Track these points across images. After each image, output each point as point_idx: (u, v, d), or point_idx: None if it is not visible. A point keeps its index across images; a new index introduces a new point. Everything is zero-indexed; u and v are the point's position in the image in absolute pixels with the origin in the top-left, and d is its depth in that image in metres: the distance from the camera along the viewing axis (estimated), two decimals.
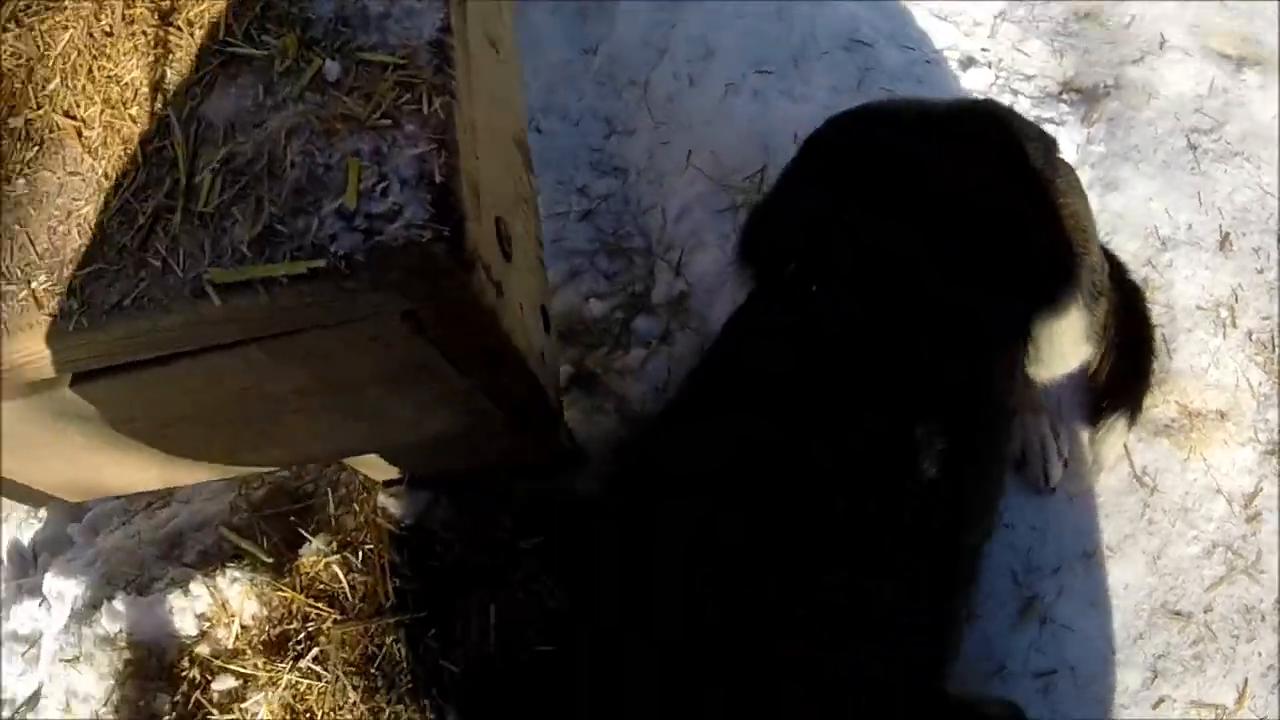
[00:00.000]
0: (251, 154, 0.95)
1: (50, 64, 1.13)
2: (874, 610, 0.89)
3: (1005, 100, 1.66)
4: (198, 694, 1.40)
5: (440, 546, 1.41)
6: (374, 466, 1.41)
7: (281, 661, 1.38)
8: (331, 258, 0.86)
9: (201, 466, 1.24)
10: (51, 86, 1.11)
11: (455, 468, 1.33)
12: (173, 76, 1.05)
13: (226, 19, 1.05)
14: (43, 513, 1.72)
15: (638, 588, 1.05)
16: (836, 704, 0.86)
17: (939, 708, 0.95)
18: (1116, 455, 1.53)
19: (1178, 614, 1.43)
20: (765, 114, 1.65)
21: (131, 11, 1.10)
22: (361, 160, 0.90)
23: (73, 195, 1.03)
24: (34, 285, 1.00)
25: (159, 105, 1.03)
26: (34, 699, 1.48)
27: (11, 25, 1.13)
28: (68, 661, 1.43)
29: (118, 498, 1.64)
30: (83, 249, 0.99)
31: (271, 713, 1.36)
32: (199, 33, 1.06)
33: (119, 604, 1.45)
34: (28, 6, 1.14)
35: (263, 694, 1.37)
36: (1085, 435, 1.56)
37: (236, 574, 1.44)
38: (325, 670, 1.36)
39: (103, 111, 1.07)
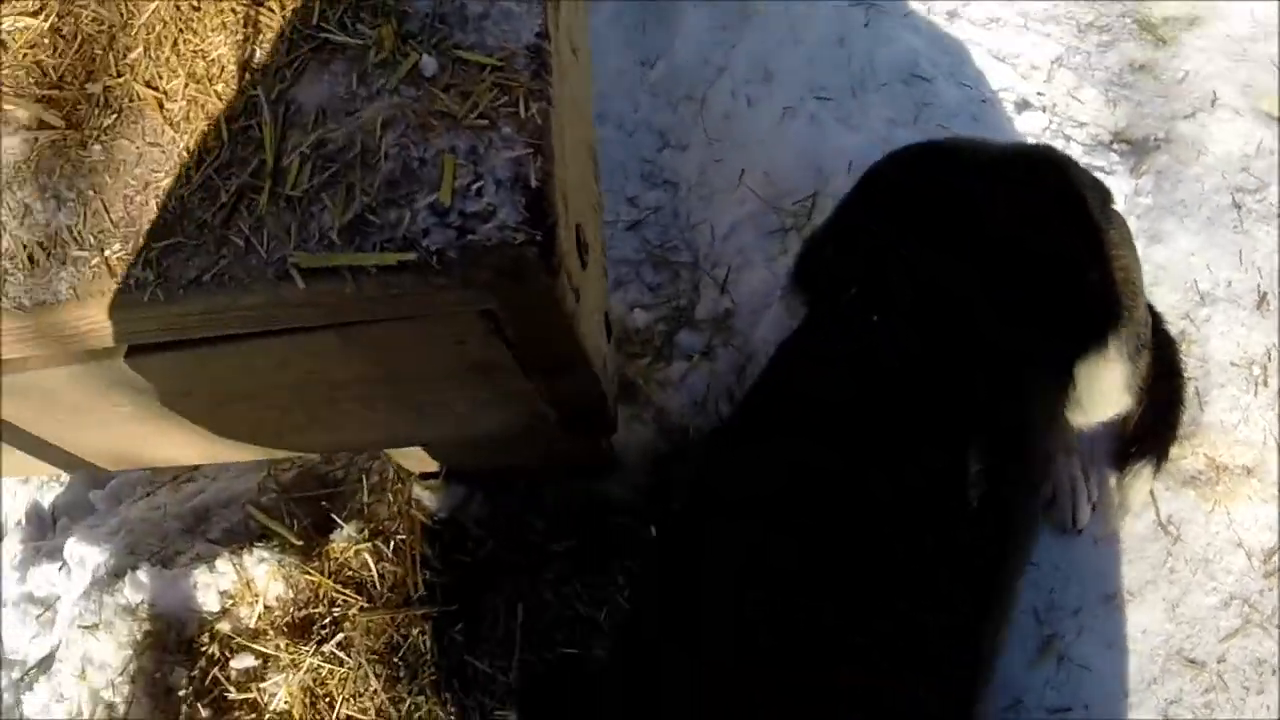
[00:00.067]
0: (343, 141, 0.95)
1: (133, 33, 1.12)
2: (932, 645, 0.90)
3: (1057, 145, 1.68)
4: (215, 670, 1.40)
5: (472, 542, 1.41)
6: (412, 458, 1.41)
7: (304, 645, 1.38)
8: (423, 252, 0.86)
9: (244, 446, 1.24)
10: (133, 55, 1.11)
11: (500, 466, 1.34)
12: (261, 57, 1.05)
13: (320, 4, 1.05)
14: (65, 476, 1.71)
15: (681, 603, 1.06)
16: None
17: None
18: (1141, 500, 1.55)
19: (1192, 662, 1.45)
20: (821, 140, 1.66)
21: None
22: (457, 158, 0.90)
23: (151, 166, 1.03)
24: (107, 253, 1.00)
25: (246, 84, 1.04)
26: (47, 662, 1.48)
27: None
28: (86, 628, 1.43)
29: (144, 469, 1.63)
30: (161, 221, 0.99)
31: (290, 695, 1.36)
32: (291, 16, 1.06)
33: (143, 575, 1.45)
34: None
35: (282, 676, 1.37)
36: (1112, 479, 1.58)
37: (264, 554, 1.44)
38: (348, 656, 1.37)
39: (187, 85, 1.07)
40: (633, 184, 1.75)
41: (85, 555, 1.50)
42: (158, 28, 1.11)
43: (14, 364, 1.11)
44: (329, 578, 1.41)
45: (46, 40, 1.14)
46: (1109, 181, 1.63)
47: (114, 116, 1.08)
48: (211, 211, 0.96)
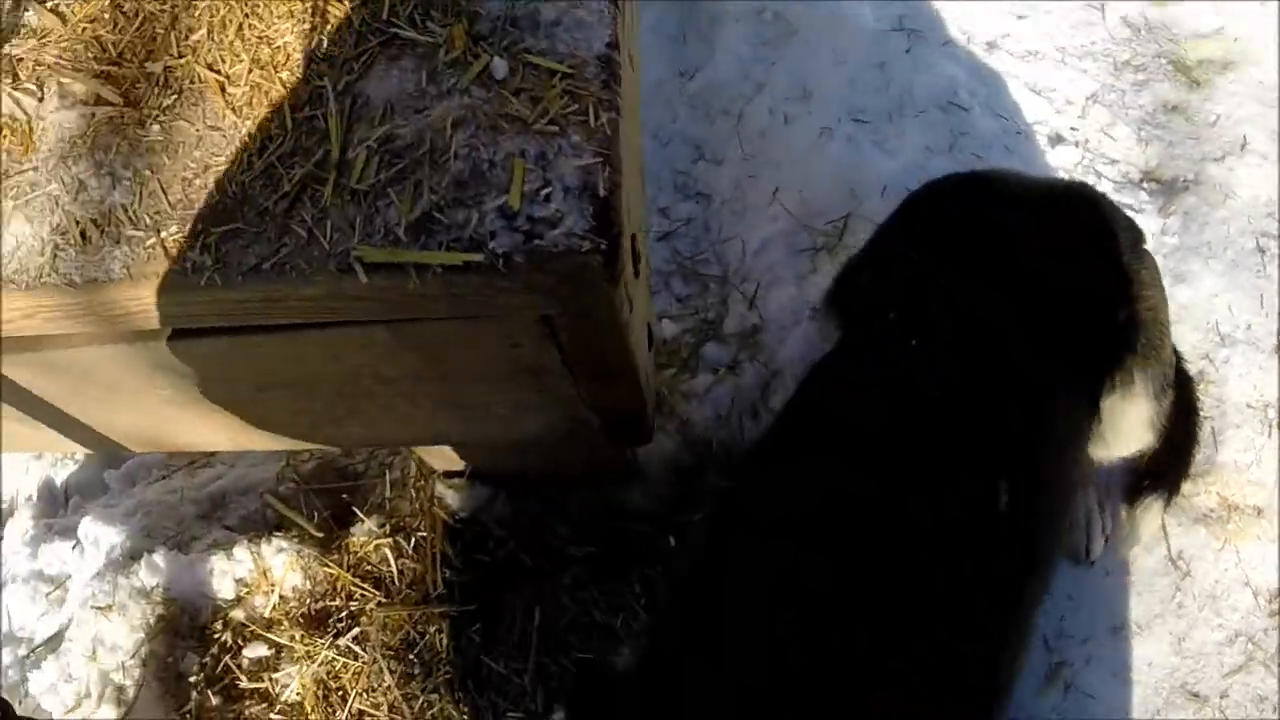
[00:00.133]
0: (411, 138, 0.95)
1: (196, 14, 1.12)
2: (970, 675, 0.91)
3: (1089, 181, 1.70)
4: (228, 658, 1.39)
5: (493, 543, 1.41)
6: (438, 456, 1.41)
7: (320, 637, 1.38)
8: (490, 254, 0.87)
9: (278, 436, 1.24)
10: (196, 37, 1.11)
11: (532, 470, 1.34)
12: (329, 47, 1.05)
13: None
14: (80, 454, 1.70)
15: (705, 617, 1.06)
16: None
17: None
18: (1150, 533, 1.57)
19: (1195, 696, 1.47)
20: (857, 162, 1.68)
21: None
22: (526, 162, 0.91)
23: (211, 150, 1.03)
24: (163, 234, 0.99)
25: (312, 74, 1.04)
26: (55, 641, 1.46)
27: None
28: (99, 609, 1.42)
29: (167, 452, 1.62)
30: (220, 206, 0.98)
31: (303, 686, 1.35)
32: (360, 8, 1.06)
33: (159, 558, 1.44)
34: None
35: (296, 667, 1.36)
36: (1123, 511, 1.60)
37: (283, 544, 1.43)
38: (363, 651, 1.36)
39: (250, 70, 1.07)
40: (665, 194, 1.76)
41: (100, 535, 1.49)
42: (222, 10, 1.11)
43: (55, 340, 1.10)
44: (348, 571, 1.40)
45: (107, 15, 1.14)
46: (1137, 220, 1.65)
47: (174, 97, 1.07)
48: (273, 199, 0.96)
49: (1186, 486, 1.58)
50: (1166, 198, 1.72)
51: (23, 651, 1.48)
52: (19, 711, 1.37)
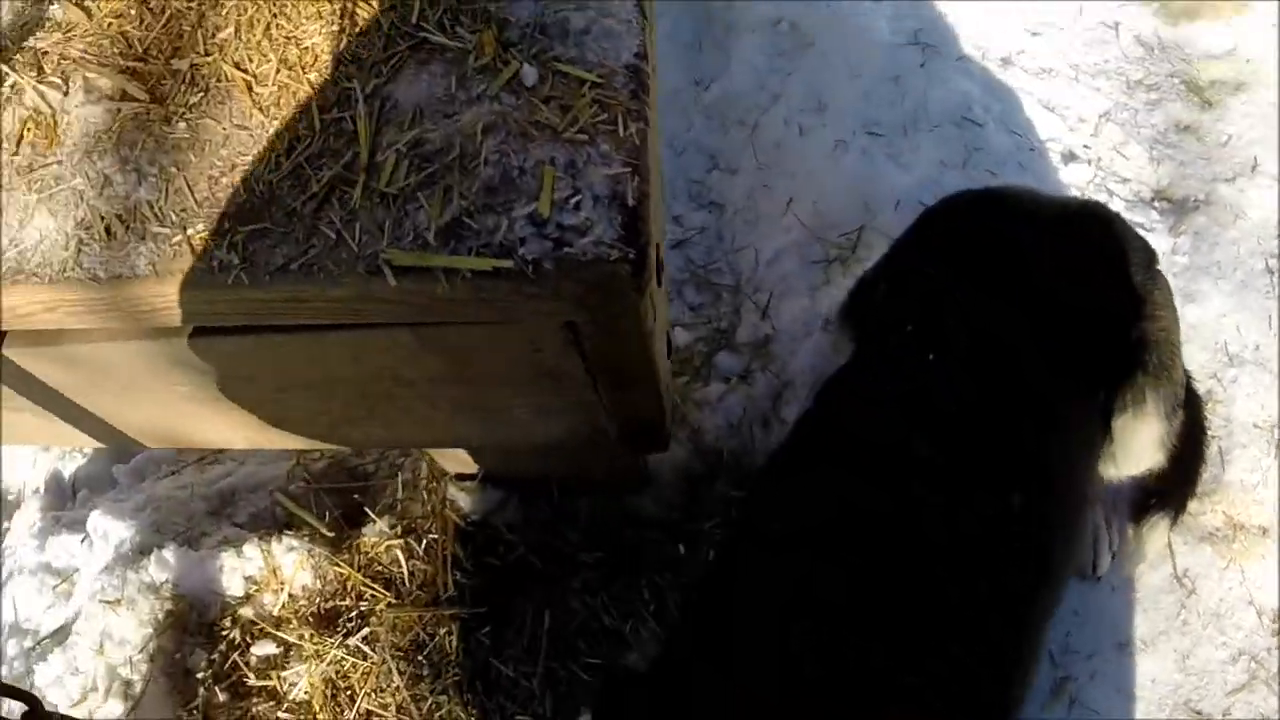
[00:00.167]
0: (441, 143, 0.95)
1: (224, 13, 1.13)
2: (985, 690, 0.91)
3: (1100, 199, 1.71)
4: (236, 655, 1.39)
5: (504, 547, 1.42)
6: (451, 458, 1.41)
7: (329, 636, 1.38)
8: (519, 261, 0.87)
9: (296, 435, 1.24)
10: (223, 35, 1.11)
11: (551, 475, 1.34)
12: (357, 50, 1.05)
13: (420, 3, 1.05)
14: (88, 448, 1.70)
15: (716, 626, 1.06)
16: None
17: None
18: (1156, 550, 1.58)
19: (1198, 713, 1.48)
20: (871, 175, 1.69)
21: None
22: (556, 170, 0.91)
23: (238, 149, 1.03)
24: (190, 232, 0.99)
25: (341, 76, 1.04)
26: (62, 633, 1.46)
27: None
28: (108, 603, 1.42)
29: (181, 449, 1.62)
30: (248, 205, 0.99)
31: (311, 685, 1.35)
32: (389, 12, 1.07)
33: (168, 554, 1.44)
34: None
35: (304, 665, 1.36)
36: (1129, 529, 1.61)
37: (293, 542, 1.43)
38: (372, 651, 1.36)
39: (278, 71, 1.07)
40: (679, 203, 1.76)
41: (109, 529, 1.49)
42: (249, 10, 1.12)
43: (75, 335, 1.10)
44: (358, 571, 1.40)
45: (133, 11, 1.14)
46: (1148, 239, 1.66)
47: (200, 95, 1.07)
48: (301, 200, 0.96)
49: (1193, 505, 1.59)
50: (1177, 217, 1.74)
51: (29, 643, 1.47)
52: None
